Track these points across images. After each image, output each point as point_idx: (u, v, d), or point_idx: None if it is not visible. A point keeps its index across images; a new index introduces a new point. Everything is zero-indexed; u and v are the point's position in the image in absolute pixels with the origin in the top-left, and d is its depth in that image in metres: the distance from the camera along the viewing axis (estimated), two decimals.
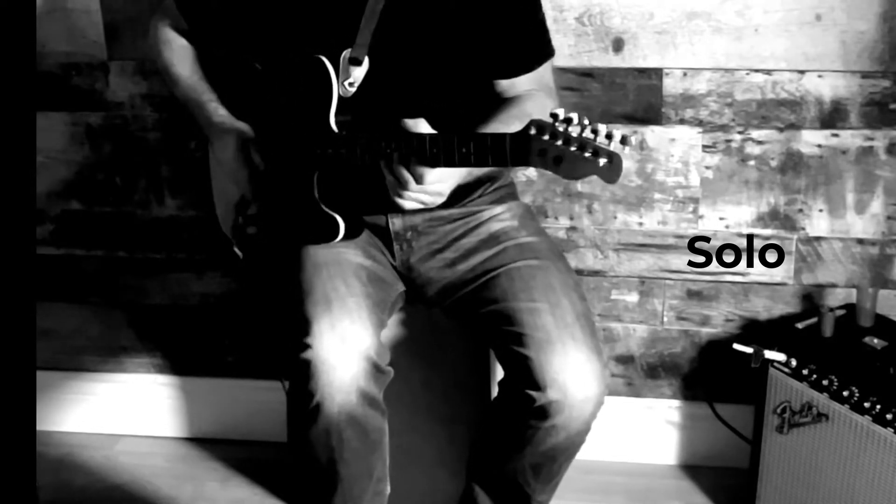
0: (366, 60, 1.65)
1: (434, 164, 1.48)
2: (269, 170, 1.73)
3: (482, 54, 1.71)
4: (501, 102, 1.72)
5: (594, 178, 1.35)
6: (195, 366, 2.46)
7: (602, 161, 1.32)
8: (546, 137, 1.34)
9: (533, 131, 1.36)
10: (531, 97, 1.72)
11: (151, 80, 2.23)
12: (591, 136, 1.32)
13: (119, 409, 2.50)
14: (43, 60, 2.23)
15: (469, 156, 1.44)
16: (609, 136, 1.32)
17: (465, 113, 1.70)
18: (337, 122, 1.63)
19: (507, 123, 1.63)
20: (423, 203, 1.54)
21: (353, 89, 1.65)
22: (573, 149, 1.33)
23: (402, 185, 1.51)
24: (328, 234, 1.67)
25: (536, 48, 1.76)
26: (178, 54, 1.82)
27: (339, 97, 1.63)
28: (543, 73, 1.77)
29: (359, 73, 1.65)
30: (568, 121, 1.34)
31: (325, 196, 1.67)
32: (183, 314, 2.41)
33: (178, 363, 2.47)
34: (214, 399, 2.46)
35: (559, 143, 1.33)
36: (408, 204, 1.54)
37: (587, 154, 1.32)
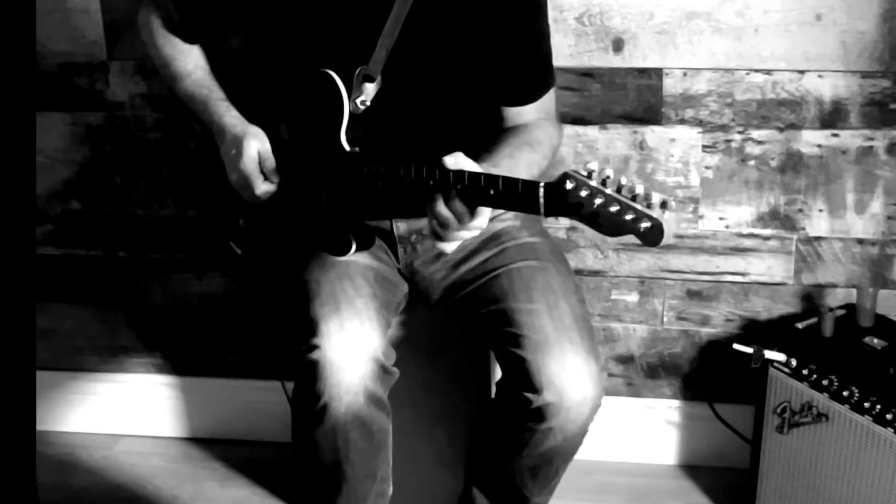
0: (378, 78, 1.64)
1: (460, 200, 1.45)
2: (277, 182, 1.71)
3: (490, 81, 1.72)
4: (510, 129, 1.73)
5: None
6: (195, 366, 2.46)
7: (643, 225, 1.27)
8: (583, 194, 1.30)
9: (569, 185, 1.31)
10: (538, 126, 1.74)
11: (151, 80, 2.23)
12: (628, 195, 1.28)
13: (119, 409, 2.50)
14: (43, 60, 2.23)
15: (497, 198, 1.41)
16: (648, 199, 1.27)
17: (473, 135, 1.70)
18: (347, 139, 1.62)
19: (519, 148, 1.65)
20: (463, 240, 1.52)
21: (364, 107, 1.64)
22: (613, 209, 1.28)
23: (445, 227, 1.48)
24: (340, 249, 1.66)
25: (541, 79, 1.77)
26: (180, 48, 1.78)
27: (350, 114, 1.62)
28: (548, 101, 1.78)
29: (370, 91, 1.64)
30: (605, 180, 1.30)
31: (333, 209, 1.66)
32: (183, 314, 2.41)
33: (178, 363, 2.47)
34: (214, 399, 2.46)
35: (597, 201, 1.29)
36: (449, 247, 1.51)
37: (627, 217, 1.28)
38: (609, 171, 1.30)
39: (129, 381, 2.49)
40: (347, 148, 1.61)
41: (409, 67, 1.66)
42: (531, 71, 1.75)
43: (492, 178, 1.41)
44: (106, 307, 2.44)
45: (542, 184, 1.35)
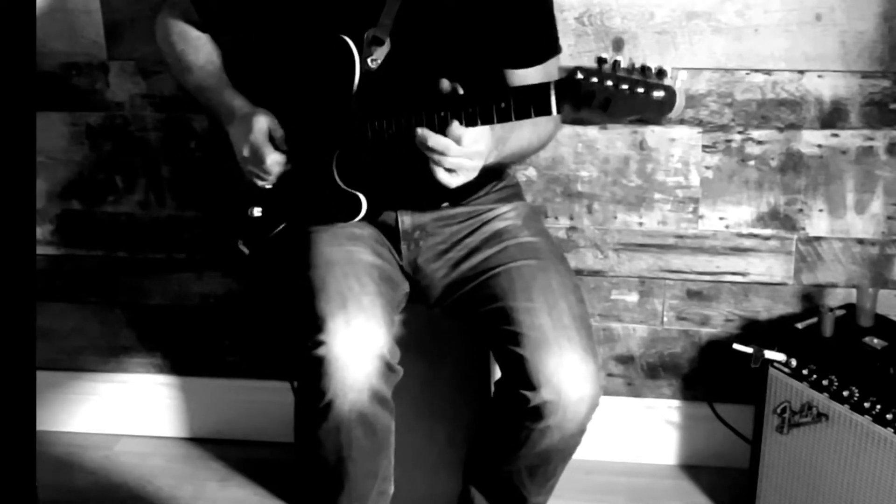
0: (387, 41, 1.66)
1: (471, 124, 1.48)
2: (288, 151, 1.73)
3: (497, 42, 1.74)
4: None
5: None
6: (195, 366, 2.46)
7: (655, 94, 1.26)
8: (594, 80, 1.31)
9: (579, 75, 1.32)
10: None
11: (151, 80, 2.23)
12: (639, 72, 1.29)
13: (119, 409, 2.50)
14: (43, 60, 2.23)
15: (509, 110, 1.43)
16: (661, 73, 1.27)
17: None
18: (359, 101, 1.64)
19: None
20: (465, 168, 1.53)
21: (375, 66, 1.66)
22: (624, 87, 1.28)
23: (442, 152, 1.50)
24: (350, 212, 1.68)
25: (546, 41, 1.80)
26: (193, 45, 1.82)
27: (361, 76, 1.64)
28: (553, 70, 1.80)
29: (380, 53, 1.67)
30: (616, 63, 1.30)
31: (344, 175, 1.68)
32: (183, 314, 2.41)
33: (178, 363, 2.47)
34: (214, 399, 2.46)
35: (608, 83, 1.29)
36: (448, 177, 1.53)
37: (639, 90, 1.27)
38: (619, 57, 1.31)
39: (129, 381, 2.49)
40: (358, 109, 1.64)
41: (416, 30, 1.68)
42: (538, 31, 1.77)
43: (503, 92, 1.44)
44: (106, 307, 2.44)
45: (552, 83, 1.38)
